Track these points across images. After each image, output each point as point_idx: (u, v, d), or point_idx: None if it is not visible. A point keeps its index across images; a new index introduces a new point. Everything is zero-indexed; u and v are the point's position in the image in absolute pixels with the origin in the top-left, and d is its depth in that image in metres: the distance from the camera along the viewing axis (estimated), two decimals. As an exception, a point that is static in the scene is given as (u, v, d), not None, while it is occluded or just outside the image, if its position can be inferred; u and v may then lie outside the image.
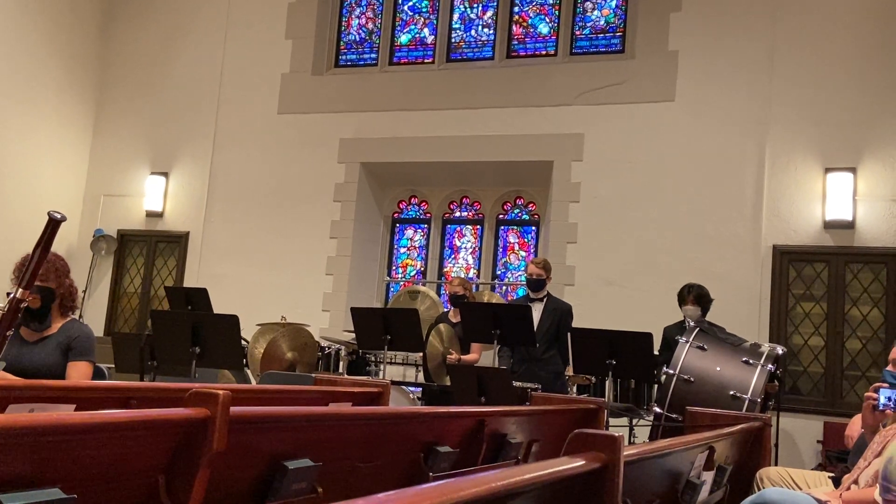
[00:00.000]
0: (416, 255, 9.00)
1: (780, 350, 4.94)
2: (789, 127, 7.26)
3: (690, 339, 4.89)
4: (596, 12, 8.39)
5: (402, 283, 8.84)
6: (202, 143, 9.29)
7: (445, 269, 8.84)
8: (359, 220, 8.70)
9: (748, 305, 7.07)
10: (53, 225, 2.33)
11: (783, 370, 6.33)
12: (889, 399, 3.15)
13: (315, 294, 8.57)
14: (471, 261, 8.81)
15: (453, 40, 8.89)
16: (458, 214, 8.97)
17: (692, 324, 5.56)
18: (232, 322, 4.97)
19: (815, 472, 3.89)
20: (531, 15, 8.67)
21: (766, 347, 4.93)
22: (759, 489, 3.45)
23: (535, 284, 6.21)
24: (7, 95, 8.72)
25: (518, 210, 8.77)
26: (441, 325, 6.20)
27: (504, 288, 8.56)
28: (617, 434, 1.51)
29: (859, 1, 7.21)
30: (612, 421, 5.73)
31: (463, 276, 8.34)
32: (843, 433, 4.10)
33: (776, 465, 4.96)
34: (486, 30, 8.79)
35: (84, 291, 9.12)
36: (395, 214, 9.13)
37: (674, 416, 4.57)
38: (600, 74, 8.00)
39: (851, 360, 6.87)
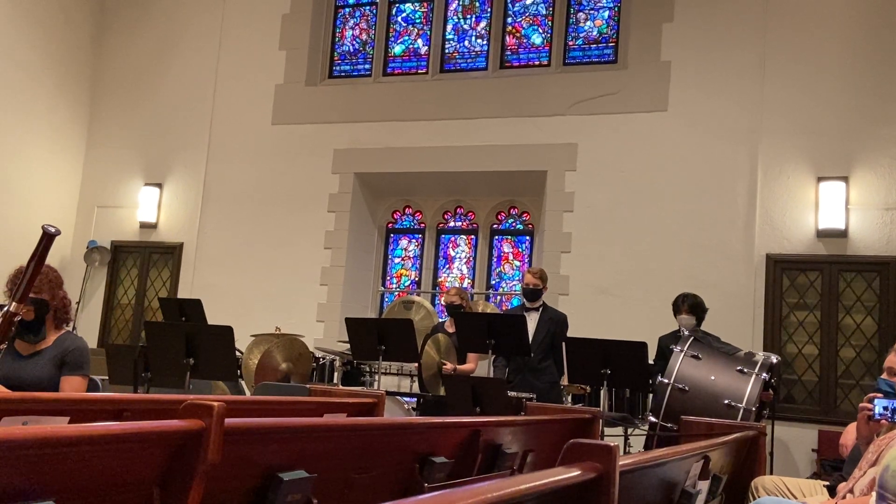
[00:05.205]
0: (410, 265, 8.99)
1: (774, 359, 4.95)
2: (781, 136, 7.29)
3: (685, 349, 4.89)
4: (589, 23, 8.42)
5: (396, 293, 8.83)
6: (196, 154, 9.29)
7: (440, 280, 8.84)
8: (353, 231, 8.70)
9: (742, 314, 7.08)
10: (48, 239, 2.32)
11: (777, 379, 6.33)
12: (885, 409, 3.15)
13: (309, 304, 8.56)
14: (465, 271, 8.81)
15: (447, 51, 8.92)
16: (452, 224, 8.97)
17: (687, 333, 5.57)
18: (226, 333, 4.96)
19: (810, 480, 3.89)
20: (524, 26, 8.70)
21: (760, 356, 4.94)
22: (754, 498, 3.45)
23: (532, 294, 6.22)
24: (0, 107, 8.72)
25: (512, 220, 8.78)
26: (439, 335, 6.20)
27: (499, 298, 8.57)
28: (612, 444, 1.51)
29: (850, 10, 7.26)
30: (608, 431, 5.72)
31: (458, 285, 8.34)
32: (837, 442, 4.10)
33: (771, 473, 4.97)
34: (479, 40, 8.82)
35: (78, 303, 9.09)
36: (389, 224, 9.13)
37: (669, 425, 4.57)
38: (593, 84, 8.03)
39: (845, 368, 6.88)
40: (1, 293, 4.21)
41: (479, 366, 6.46)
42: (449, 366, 6.01)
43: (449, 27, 8.95)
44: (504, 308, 8.10)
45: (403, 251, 9.05)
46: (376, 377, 6.35)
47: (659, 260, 7.46)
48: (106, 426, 1.42)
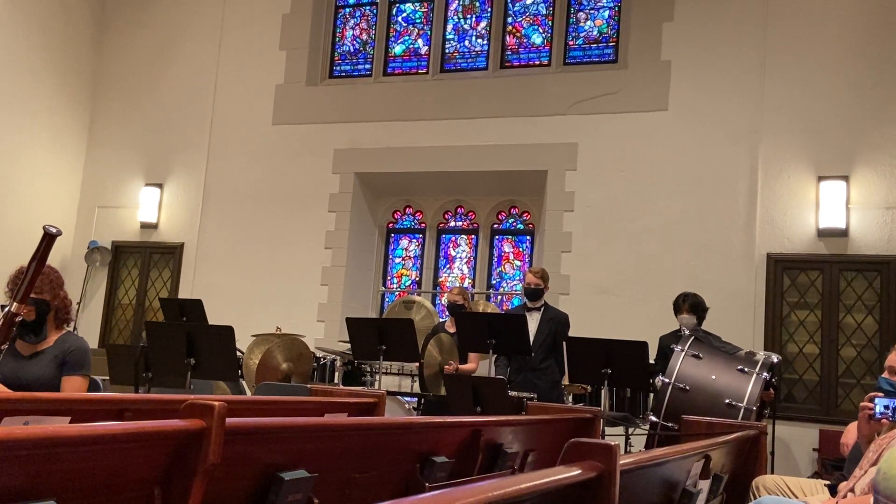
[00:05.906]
0: (410, 265, 9.00)
1: (775, 358, 4.94)
2: (782, 135, 7.29)
3: (685, 348, 4.89)
4: (589, 22, 8.42)
5: (397, 293, 8.83)
6: (196, 154, 9.29)
7: (441, 279, 8.84)
8: (353, 230, 8.70)
9: (743, 314, 7.08)
10: (49, 239, 2.33)
11: (778, 378, 6.33)
12: (886, 408, 3.15)
13: (310, 304, 8.56)
14: (466, 270, 8.81)
15: (447, 51, 8.92)
16: (452, 224, 8.97)
17: (687, 332, 5.56)
18: (227, 333, 4.97)
19: (811, 479, 3.89)
20: (525, 25, 8.70)
21: (761, 356, 4.93)
22: (755, 497, 3.45)
23: (533, 294, 6.22)
24: (0, 108, 8.72)
25: (512, 219, 8.78)
26: (442, 335, 6.20)
27: (499, 297, 8.57)
28: (613, 443, 1.51)
29: (850, 9, 7.26)
30: (608, 430, 5.73)
31: (460, 285, 8.35)
32: (838, 441, 4.10)
33: (772, 473, 4.97)
34: (479, 40, 8.82)
35: (78, 303, 9.09)
36: (390, 224, 9.13)
37: (669, 424, 4.57)
38: (594, 84, 8.03)
39: (846, 367, 6.88)
40: (2, 293, 4.21)
41: (481, 365, 6.46)
42: (451, 365, 6.01)
43: (449, 27, 8.95)
44: (505, 308, 8.10)
45: (404, 251, 9.05)
46: (377, 377, 6.35)
47: (659, 259, 7.46)
48: (107, 426, 1.42)
